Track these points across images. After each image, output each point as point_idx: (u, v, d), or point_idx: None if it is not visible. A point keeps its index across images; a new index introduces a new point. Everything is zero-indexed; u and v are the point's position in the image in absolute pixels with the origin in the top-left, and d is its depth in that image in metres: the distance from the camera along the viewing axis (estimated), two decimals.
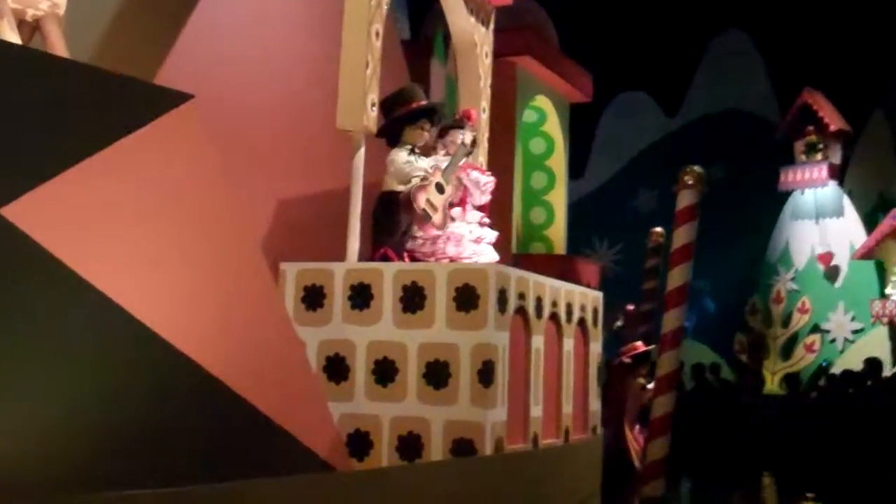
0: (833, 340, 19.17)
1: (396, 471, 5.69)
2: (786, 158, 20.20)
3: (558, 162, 12.90)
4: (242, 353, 5.70)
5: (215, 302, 5.48)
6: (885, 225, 18.48)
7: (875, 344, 18.31)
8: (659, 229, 14.13)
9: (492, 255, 7.71)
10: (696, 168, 10.31)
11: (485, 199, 7.71)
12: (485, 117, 8.52)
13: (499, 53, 11.69)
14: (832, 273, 19.48)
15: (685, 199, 10.21)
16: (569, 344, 7.60)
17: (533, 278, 7.01)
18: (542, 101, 12.49)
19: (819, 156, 19.75)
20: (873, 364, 14.01)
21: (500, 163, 11.59)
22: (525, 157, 12.94)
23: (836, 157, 19.77)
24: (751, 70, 22.04)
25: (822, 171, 19.62)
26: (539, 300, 7.05)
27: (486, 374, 6.26)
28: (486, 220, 7.81)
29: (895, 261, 18.59)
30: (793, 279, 20.00)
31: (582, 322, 7.92)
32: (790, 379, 16.19)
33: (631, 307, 13.93)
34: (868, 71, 20.59)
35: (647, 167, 22.26)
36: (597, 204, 22.14)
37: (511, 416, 6.59)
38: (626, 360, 11.49)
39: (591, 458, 8.06)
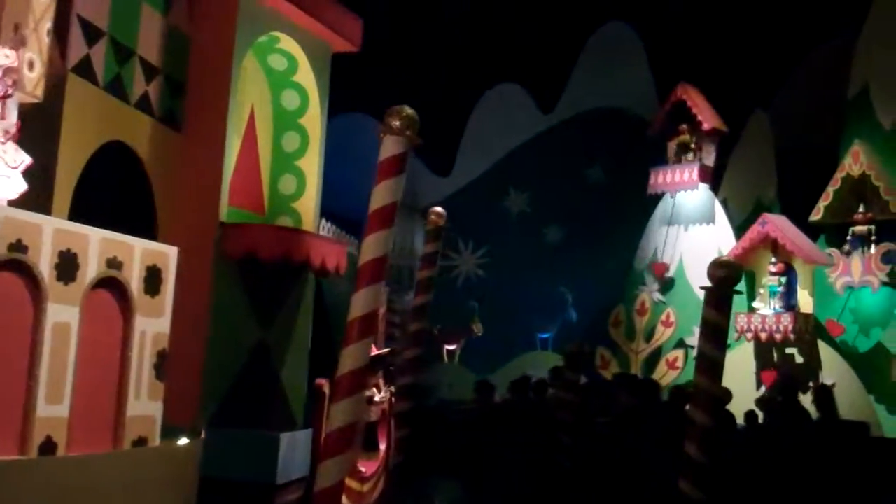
0: None
1: None
2: (664, 160, 17.38)
3: (313, 120, 10.06)
4: None
5: None
6: (754, 231, 15.65)
7: (739, 361, 15.49)
8: (439, 209, 11.33)
9: (15, 187, 4.92)
10: (407, 109, 7.45)
11: None
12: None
13: None
14: (666, 285, 16.76)
15: (390, 147, 7.33)
16: (65, 313, 4.70)
17: None
18: (288, 44, 9.66)
19: (691, 156, 16.94)
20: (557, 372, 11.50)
21: (208, 111, 8.80)
22: (276, 114, 10.12)
23: (710, 159, 16.99)
24: (632, 67, 19.18)
25: (692, 172, 16.80)
26: None
27: None
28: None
29: (765, 271, 15.74)
30: (660, 290, 17.16)
31: (113, 284, 5.01)
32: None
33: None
34: (751, 71, 17.85)
35: (518, 166, 19.43)
36: (464, 204, 19.18)
37: None
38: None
39: (121, 479, 5.08)
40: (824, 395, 10.10)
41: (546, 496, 9.46)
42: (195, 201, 8.72)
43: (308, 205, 10.01)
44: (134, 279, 5.17)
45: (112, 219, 5.77)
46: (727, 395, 10.07)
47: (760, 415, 10.89)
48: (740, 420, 10.80)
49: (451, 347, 18.40)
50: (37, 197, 6.66)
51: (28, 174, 5.96)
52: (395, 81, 11.40)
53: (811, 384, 14.69)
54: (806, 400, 13.81)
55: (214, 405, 8.91)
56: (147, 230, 8.22)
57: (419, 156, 19.82)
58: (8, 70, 5.31)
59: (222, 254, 8.84)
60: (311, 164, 10.03)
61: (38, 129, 6.89)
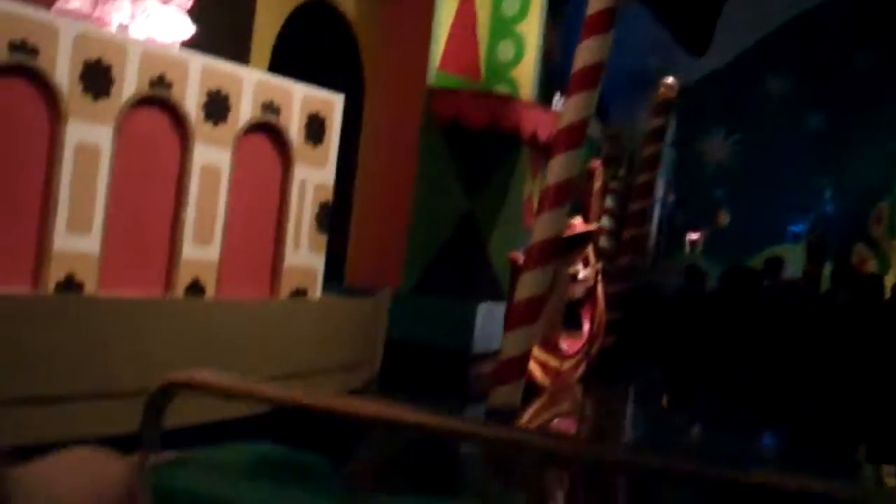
0: None
1: None
2: None
3: None
4: None
5: None
6: None
7: None
8: (670, 80, 10.48)
9: (172, 31, 4.86)
10: None
11: None
12: None
13: None
14: None
15: (598, 1, 6.77)
16: (215, 155, 4.59)
17: (73, 27, 4.03)
18: None
19: None
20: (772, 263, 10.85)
21: None
22: None
23: None
24: None
25: None
26: (102, 68, 4.07)
27: None
28: None
29: None
30: None
31: (270, 129, 4.86)
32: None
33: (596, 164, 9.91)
34: None
35: (781, 46, 17.89)
36: (719, 86, 17.99)
37: None
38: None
39: (275, 328, 5.01)
40: None
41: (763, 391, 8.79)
42: (403, 64, 8.49)
43: (526, 72, 9.53)
44: (293, 125, 4.99)
45: (317, 80, 5.59)
46: None
47: None
48: None
49: (694, 237, 17.58)
50: (234, 54, 6.61)
51: (225, 32, 5.89)
52: None
53: None
54: None
55: (419, 272, 8.81)
56: (354, 93, 8.07)
57: (673, 36, 18.69)
58: None
59: (430, 119, 8.60)
60: (532, 30, 9.50)
61: None
